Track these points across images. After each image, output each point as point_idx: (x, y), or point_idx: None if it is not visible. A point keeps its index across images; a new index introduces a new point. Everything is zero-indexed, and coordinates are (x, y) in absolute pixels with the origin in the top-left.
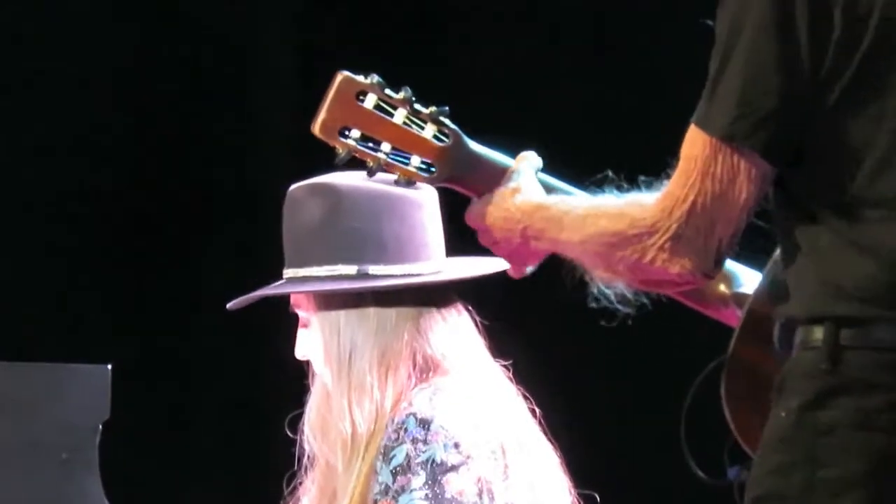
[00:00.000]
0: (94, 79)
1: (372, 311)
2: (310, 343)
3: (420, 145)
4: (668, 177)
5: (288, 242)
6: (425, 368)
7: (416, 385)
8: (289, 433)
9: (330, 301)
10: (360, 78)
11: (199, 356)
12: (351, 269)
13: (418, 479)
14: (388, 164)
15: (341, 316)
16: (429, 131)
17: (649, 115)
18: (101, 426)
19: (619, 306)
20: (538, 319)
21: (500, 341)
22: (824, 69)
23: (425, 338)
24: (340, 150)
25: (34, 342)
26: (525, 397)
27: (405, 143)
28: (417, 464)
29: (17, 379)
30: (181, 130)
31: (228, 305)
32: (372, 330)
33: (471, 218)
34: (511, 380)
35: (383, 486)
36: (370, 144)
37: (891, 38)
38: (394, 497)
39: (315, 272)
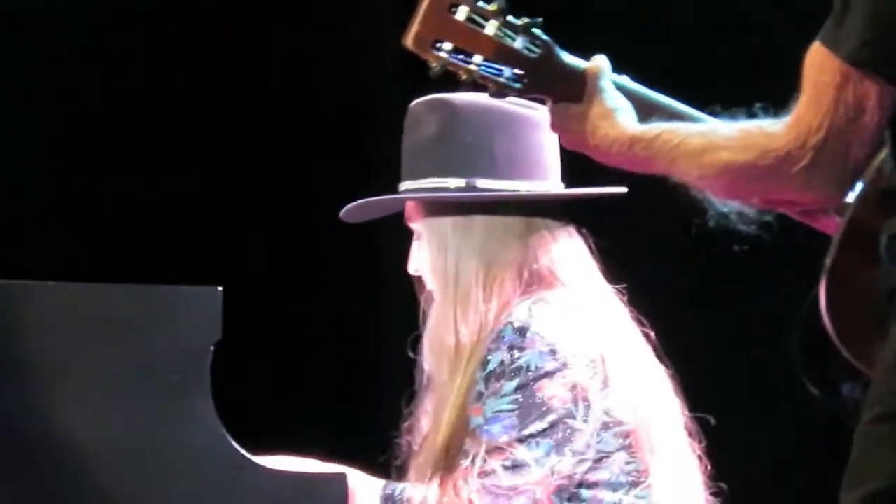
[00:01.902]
0: None
1: (479, 225)
2: (421, 257)
3: (511, 57)
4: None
5: (404, 156)
6: (531, 282)
7: (520, 297)
8: (410, 353)
9: (438, 212)
10: None
11: (313, 275)
12: (460, 182)
13: (510, 385)
14: (480, 76)
15: (448, 227)
16: (520, 43)
17: None
18: (212, 348)
19: (742, 226)
20: (656, 244)
21: (618, 265)
22: None
23: (532, 253)
24: (433, 63)
25: (146, 264)
26: (639, 321)
27: (497, 55)
28: (512, 370)
29: (129, 301)
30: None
31: (341, 214)
32: (478, 243)
33: (555, 127)
34: (624, 303)
35: (477, 393)
36: (462, 57)
37: None
38: (484, 402)
39: (426, 184)
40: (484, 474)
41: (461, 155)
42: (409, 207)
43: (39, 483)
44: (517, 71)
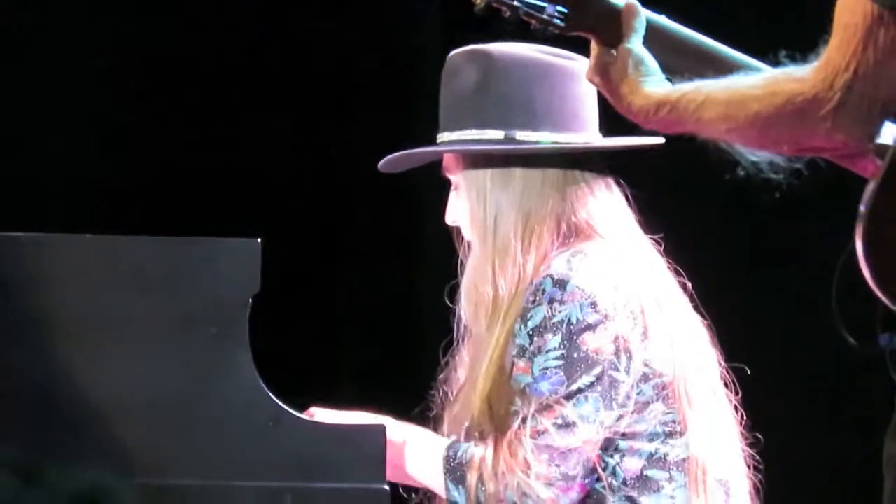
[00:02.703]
0: None
1: (518, 176)
2: (458, 208)
3: None
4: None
5: (443, 107)
6: (569, 234)
7: (558, 250)
8: (447, 302)
9: (477, 163)
10: None
11: (353, 228)
12: (499, 134)
13: (554, 340)
14: (524, 12)
15: (487, 179)
16: None
17: None
18: (251, 300)
19: (773, 175)
20: (693, 195)
21: (655, 215)
22: None
23: (570, 205)
24: (478, 1)
25: (185, 216)
26: (676, 272)
27: None
28: (554, 324)
29: (167, 253)
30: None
31: (379, 165)
32: (517, 194)
33: (594, 78)
34: (661, 253)
35: (520, 348)
36: None
37: None
38: (530, 358)
39: (465, 135)
40: (537, 433)
41: (500, 106)
42: (448, 159)
43: (79, 433)
44: (559, 7)
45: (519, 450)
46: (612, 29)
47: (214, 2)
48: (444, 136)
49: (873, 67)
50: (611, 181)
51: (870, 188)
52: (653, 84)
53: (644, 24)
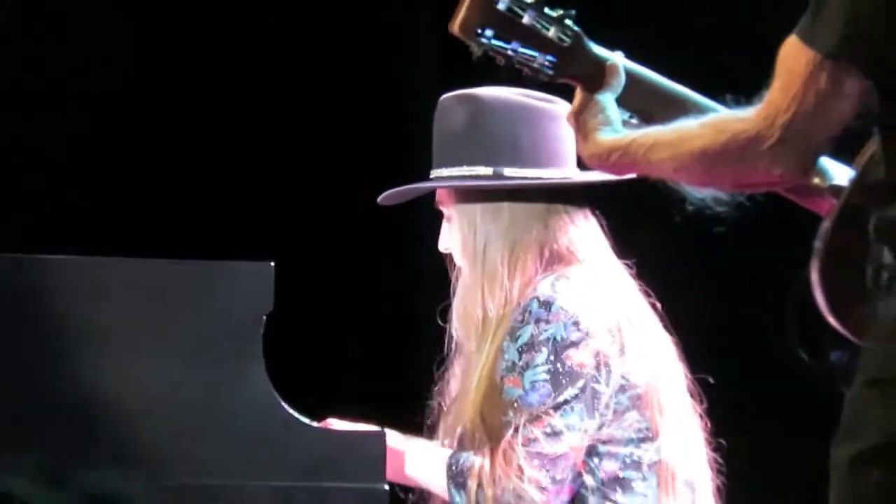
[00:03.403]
0: None
1: (505, 209)
2: (451, 237)
3: (544, 44)
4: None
5: (435, 145)
6: (551, 261)
7: (542, 274)
8: (440, 321)
9: (468, 197)
10: None
11: (355, 253)
12: (488, 170)
13: (541, 356)
14: (516, 60)
15: (478, 211)
16: (553, 32)
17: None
18: (264, 318)
19: (718, 207)
20: (658, 224)
21: (626, 244)
22: None
23: (553, 234)
24: (475, 48)
25: (203, 240)
26: (646, 293)
27: (532, 42)
28: (541, 341)
29: (190, 274)
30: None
31: (379, 199)
32: (505, 226)
33: (569, 121)
34: (633, 276)
35: (510, 363)
36: (501, 43)
37: None
38: (520, 373)
39: (456, 172)
40: (528, 441)
41: (488, 145)
42: (441, 193)
43: (109, 438)
44: (549, 57)
45: (513, 457)
46: (595, 78)
47: (228, 34)
48: (437, 172)
49: (811, 109)
50: (588, 212)
51: (825, 225)
52: (607, 133)
53: (622, 82)
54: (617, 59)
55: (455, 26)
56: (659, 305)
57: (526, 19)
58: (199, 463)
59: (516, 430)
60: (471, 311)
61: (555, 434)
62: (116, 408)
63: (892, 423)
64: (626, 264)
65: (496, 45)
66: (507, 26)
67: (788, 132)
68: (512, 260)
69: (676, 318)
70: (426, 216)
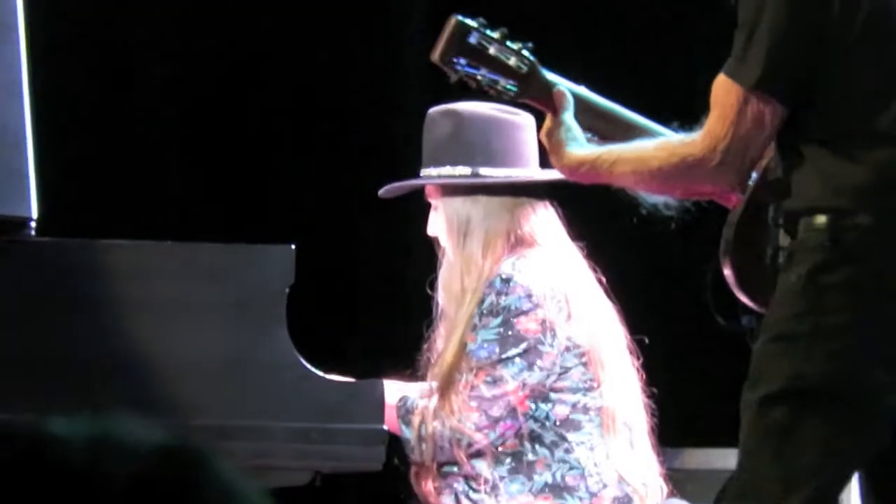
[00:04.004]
0: None
1: (481, 201)
2: (437, 224)
3: (506, 71)
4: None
5: (425, 149)
6: (516, 244)
7: (508, 255)
8: (428, 290)
9: (452, 192)
10: (469, 21)
11: (362, 238)
12: (467, 170)
13: (496, 320)
14: (484, 84)
15: (459, 203)
16: (514, 61)
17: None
18: (287, 290)
19: (666, 211)
20: (607, 212)
21: (578, 228)
22: (831, 36)
23: (518, 222)
24: (452, 74)
25: (234, 227)
26: (594, 269)
27: (496, 69)
28: (498, 309)
29: (229, 256)
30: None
31: (380, 192)
32: (481, 215)
33: (543, 139)
34: (584, 256)
35: (473, 325)
36: (472, 70)
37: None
38: (476, 332)
39: (442, 171)
40: (470, 387)
41: (467, 150)
42: (429, 188)
43: (161, 387)
44: (511, 81)
45: (455, 400)
46: (550, 100)
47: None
48: (426, 171)
49: (744, 134)
50: (548, 203)
51: (733, 216)
52: (575, 147)
53: (571, 102)
54: (564, 85)
55: (435, 56)
56: (604, 279)
57: (491, 50)
58: (234, 407)
59: (465, 378)
60: (452, 284)
61: (494, 381)
62: (168, 363)
63: (792, 369)
64: (579, 246)
65: (468, 72)
66: (477, 56)
67: (727, 155)
68: (486, 243)
69: (618, 290)
70: (418, 210)
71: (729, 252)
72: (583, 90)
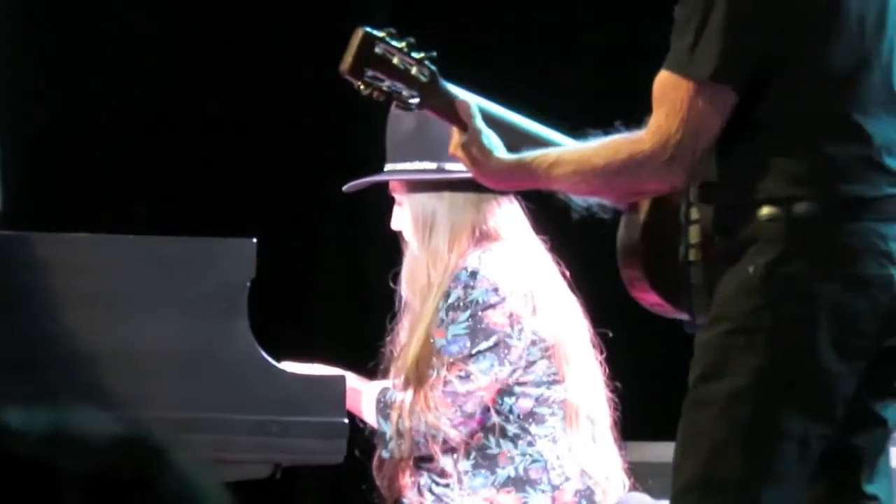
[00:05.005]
0: None
1: (447, 196)
2: (401, 218)
3: (408, 81)
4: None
5: (389, 145)
6: (481, 238)
7: (473, 248)
8: (391, 284)
9: (417, 187)
10: (375, 32)
11: (323, 229)
12: (432, 165)
13: (464, 315)
14: (388, 94)
15: (424, 198)
16: (415, 71)
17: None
18: (248, 283)
19: (602, 213)
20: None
21: (542, 223)
22: (789, 21)
23: (483, 216)
24: (362, 86)
25: (194, 220)
26: (558, 263)
27: (399, 79)
28: (465, 303)
29: (188, 248)
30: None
31: (344, 188)
32: (445, 210)
33: (457, 153)
34: (547, 250)
35: (440, 320)
36: (378, 81)
37: None
38: (446, 327)
39: (407, 166)
40: (444, 383)
41: (433, 145)
42: (394, 182)
43: (120, 380)
44: (413, 91)
45: (430, 396)
46: (450, 110)
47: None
48: (391, 166)
49: (695, 127)
50: (512, 198)
51: (639, 217)
52: (502, 153)
53: (477, 111)
54: (468, 98)
55: (344, 68)
56: (568, 273)
57: (395, 60)
58: (195, 399)
59: (437, 373)
60: (417, 278)
61: (467, 377)
62: (129, 355)
63: (759, 362)
64: (543, 240)
65: (375, 83)
66: (381, 67)
67: (679, 149)
68: (451, 237)
69: (582, 284)
70: (379, 203)
71: (636, 254)
72: (483, 101)
